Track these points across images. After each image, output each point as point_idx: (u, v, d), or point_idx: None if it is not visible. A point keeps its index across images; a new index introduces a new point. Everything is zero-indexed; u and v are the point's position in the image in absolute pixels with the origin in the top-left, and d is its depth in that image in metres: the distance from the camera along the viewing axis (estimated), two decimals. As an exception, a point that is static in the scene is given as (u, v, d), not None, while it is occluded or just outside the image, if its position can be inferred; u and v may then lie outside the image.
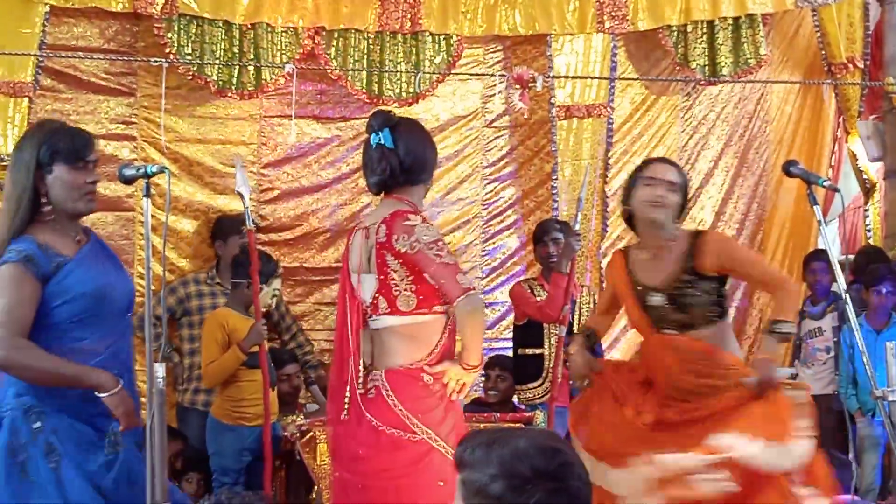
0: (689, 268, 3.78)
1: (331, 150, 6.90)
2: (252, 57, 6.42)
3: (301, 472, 5.26)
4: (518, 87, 6.42)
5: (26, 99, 6.06)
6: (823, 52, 7.21)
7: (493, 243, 7.16)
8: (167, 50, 6.24)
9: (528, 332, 5.94)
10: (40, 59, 6.10)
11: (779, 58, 7.42)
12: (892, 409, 3.17)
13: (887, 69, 7.07)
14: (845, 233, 7.74)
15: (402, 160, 3.53)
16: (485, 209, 7.15)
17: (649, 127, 7.30)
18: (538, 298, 5.82)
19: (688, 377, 3.72)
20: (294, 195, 6.84)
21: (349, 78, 6.57)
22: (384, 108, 3.51)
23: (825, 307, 6.55)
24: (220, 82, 6.37)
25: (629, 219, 3.98)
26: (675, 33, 6.98)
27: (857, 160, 7.27)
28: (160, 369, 2.84)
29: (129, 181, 3.25)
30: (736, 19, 6.99)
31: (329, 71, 6.56)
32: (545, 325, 5.83)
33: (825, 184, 3.66)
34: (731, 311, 5.25)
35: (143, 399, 3.76)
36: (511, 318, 6.36)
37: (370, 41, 6.62)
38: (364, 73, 6.57)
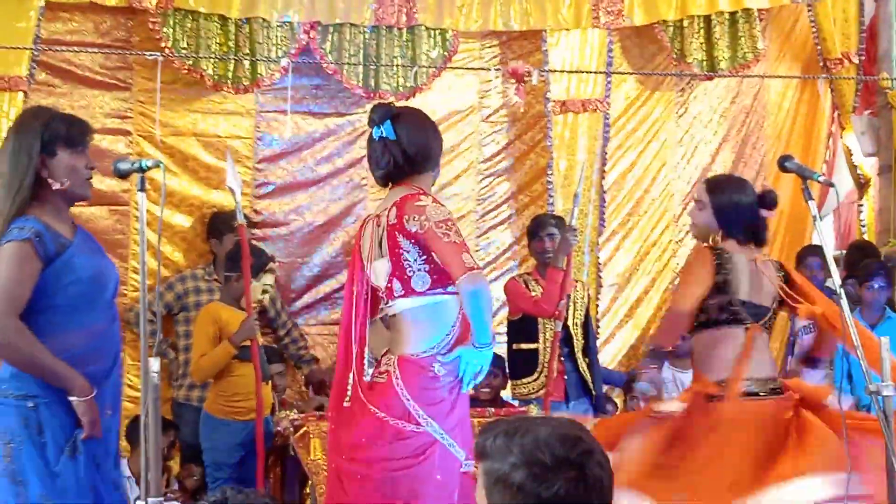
0: None
1: (326, 144, 6.90)
2: (247, 51, 6.41)
3: (296, 468, 5.27)
4: (513, 81, 6.43)
5: (21, 93, 6.05)
6: (819, 48, 7.22)
7: (487, 238, 7.16)
8: (162, 44, 6.23)
9: (522, 328, 5.93)
10: (35, 53, 6.09)
11: (775, 53, 7.43)
12: (887, 404, 3.17)
13: (881, 65, 7.08)
14: (840, 228, 7.75)
15: (405, 150, 3.55)
16: (479, 204, 7.15)
17: (645, 122, 7.31)
18: (533, 293, 5.82)
19: None
20: (289, 190, 6.84)
21: (345, 73, 6.56)
22: (383, 101, 3.53)
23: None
24: (216, 77, 6.36)
25: None
26: (672, 28, 6.98)
27: (851, 155, 7.28)
28: (155, 364, 2.84)
29: (123, 175, 3.25)
30: (732, 14, 7.00)
31: (325, 65, 6.56)
32: (540, 320, 5.83)
33: (820, 179, 3.66)
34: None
35: (136, 393, 3.77)
36: (505, 313, 6.36)
37: (366, 36, 6.62)
38: (360, 67, 6.56)
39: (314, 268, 6.86)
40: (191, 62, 6.30)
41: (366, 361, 3.56)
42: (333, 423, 3.66)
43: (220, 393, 5.42)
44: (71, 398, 3.19)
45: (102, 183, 6.24)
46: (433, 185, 3.73)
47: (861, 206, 7.35)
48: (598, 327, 6.82)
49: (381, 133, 3.55)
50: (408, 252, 3.46)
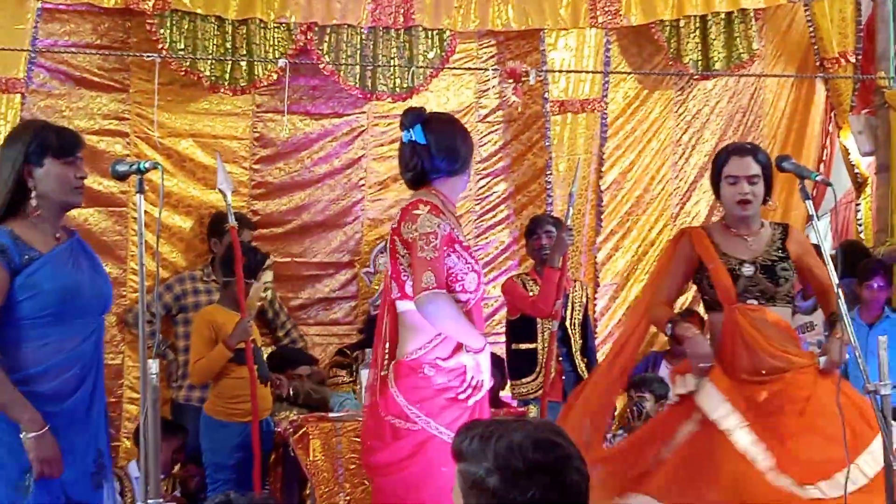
0: (782, 247, 4.02)
1: (323, 145, 6.90)
2: (245, 52, 6.41)
3: (296, 469, 5.26)
4: (511, 81, 6.43)
5: (19, 95, 6.05)
6: (816, 47, 7.22)
7: (486, 238, 7.17)
8: (159, 45, 6.23)
9: (521, 327, 5.93)
10: (33, 55, 6.09)
11: (772, 52, 7.43)
12: (885, 403, 3.18)
13: (879, 64, 7.07)
14: (837, 227, 7.75)
15: (433, 154, 3.57)
16: (477, 204, 7.16)
17: (643, 122, 7.31)
18: (530, 293, 5.82)
19: (769, 347, 3.88)
20: (286, 190, 6.84)
21: (342, 73, 6.56)
22: (415, 106, 3.58)
23: (816, 302, 6.54)
24: (213, 78, 6.36)
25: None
26: (668, 28, 6.98)
27: (848, 154, 7.29)
28: (154, 365, 2.83)
29: (122, 177, 3.25)
30: (729, 14, 7.01)
31: (322, 66, 6.56)
32: (539, 320, 5.83)
33: (817, 178, 3.68)
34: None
35: (136, 395, 3.76)
36: (504, 312, 6.36)
37: (363, 36, 6.62)
38: (357, 68, 6.56)
39: (311, 268, 6.86)
40: (188, 63, 6.30)
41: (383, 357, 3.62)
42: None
43: (220, 395, 5.41)
44: (21, 434, 3.08)
45: (100, 185, 6.23)
46: (465, 187, 3.77)
47: (858, 205, 7.35)
48: (595, 327, 6.82)
49: (411, 136, 3.57)
50: (402, 257, 3.50)
